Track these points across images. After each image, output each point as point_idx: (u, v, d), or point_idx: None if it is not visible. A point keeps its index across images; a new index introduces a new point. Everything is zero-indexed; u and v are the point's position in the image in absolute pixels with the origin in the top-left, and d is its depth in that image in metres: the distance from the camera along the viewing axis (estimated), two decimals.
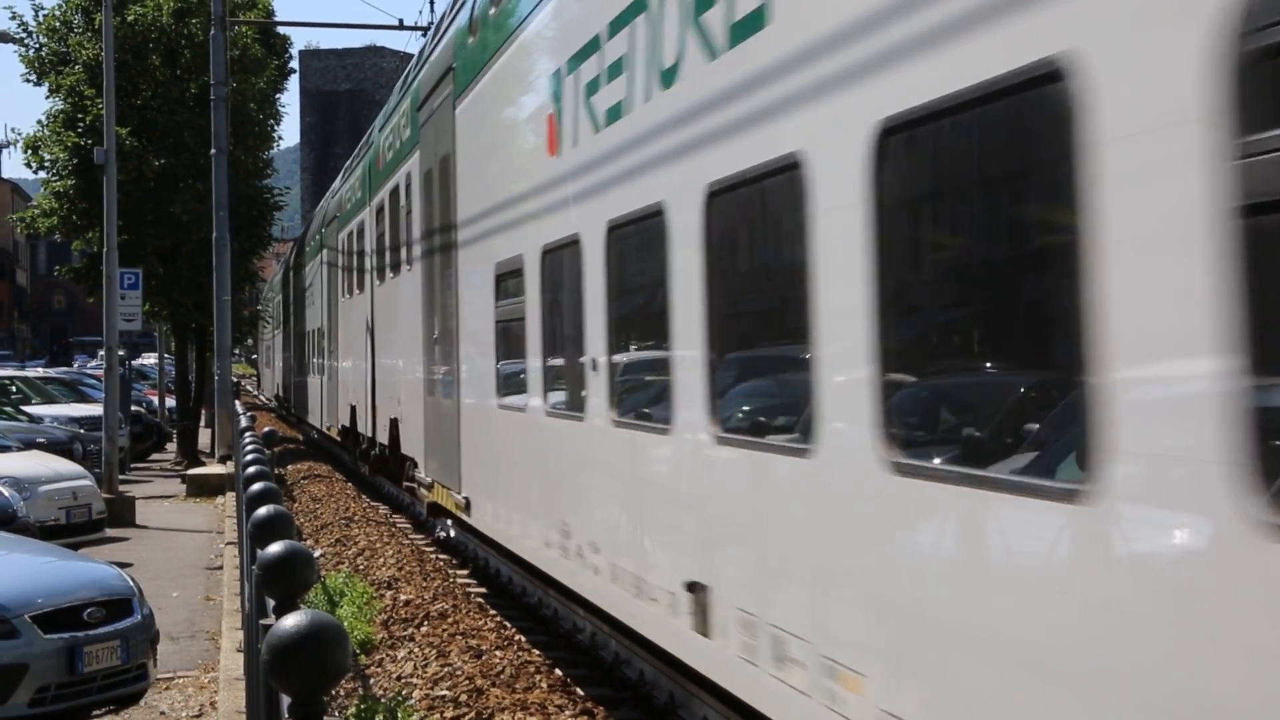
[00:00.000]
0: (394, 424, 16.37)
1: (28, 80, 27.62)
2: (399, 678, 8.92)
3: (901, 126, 4.44)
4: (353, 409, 21.43)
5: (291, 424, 40.30)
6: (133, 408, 27.52)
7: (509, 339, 9.90)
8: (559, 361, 8.71)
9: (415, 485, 14.81)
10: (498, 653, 9.23)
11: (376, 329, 18.43)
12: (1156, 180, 3.30)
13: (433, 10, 26.70)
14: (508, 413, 9.90)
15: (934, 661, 4.31)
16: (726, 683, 6.03)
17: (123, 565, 9.98)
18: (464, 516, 11.81)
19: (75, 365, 53.83)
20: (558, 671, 8.89)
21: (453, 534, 14.79)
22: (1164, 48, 3.28)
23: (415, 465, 14.70)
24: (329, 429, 26.48)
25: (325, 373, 26.85)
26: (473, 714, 7.90)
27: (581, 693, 8.36)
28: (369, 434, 19.40)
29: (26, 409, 24.18)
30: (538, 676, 8.63)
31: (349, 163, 24.36)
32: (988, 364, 4.56)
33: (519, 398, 9.51)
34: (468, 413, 11.48)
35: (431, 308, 13.23)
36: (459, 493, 11.74)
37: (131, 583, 8.48)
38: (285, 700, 3.00)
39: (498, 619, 10.65)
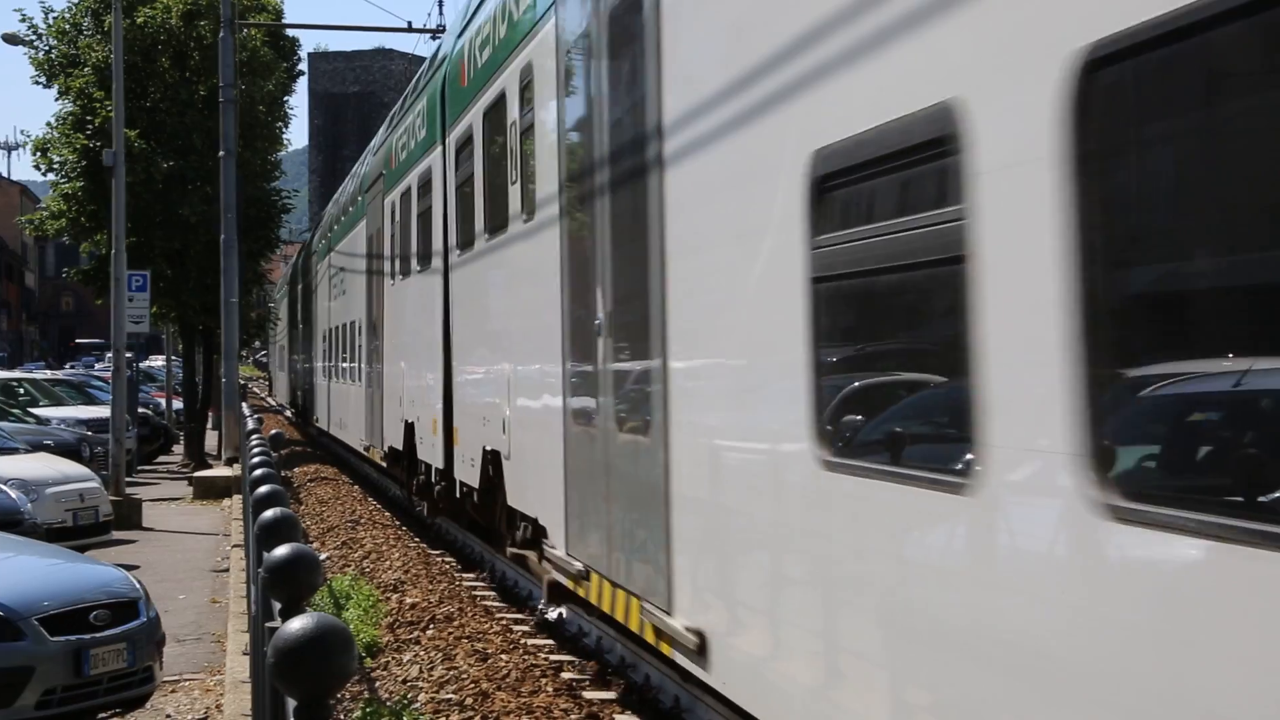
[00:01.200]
0: (491, 459, 10.87)
1: (37, 82, 27.70)
2: (405, 681, 8.91)
3: None
4: (409, 428, 15.52)
5: (311, 436, 36.63)
6: (140, 410, 27.55)
7: (868, 316, 4.97)
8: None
9: (542, 561, 9.42)
10: (504, 656, 9.23)
11: (457, 320, 12.70)
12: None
13: (441, 13, 26.74)
14: (868, 486, 4.66)
15: None
16: None
17: (129, 567, 9.98)
18: (690, 663, 6.42)
19: (66, 368, 53.47)
20: (564, 675, 8.88)
21: (562, 614, 10.00)
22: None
23: (539, 530, 9.47)
24: (368, 450, 20.16)
25: (363, 379, 20.52)
26: (479, 717, 7.89)
27: (587, 696, 8.35)
28: (437, 464, 13.67)
29: (34, 411, 24.22)
30: (543, 680, 8.62)
31: (398, 108, 18.53)
32: None
33: (931, 454, 4.60)
34: (695, 464, 6.34)
35: (585, 277, 7.97)
36: (668, 612, 6.59)
37: (138, 585, 8.48)
38: (291, 703, 3.00)
39: (504, 622, 10.64)
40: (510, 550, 10.82)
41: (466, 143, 12.06)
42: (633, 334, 7.22)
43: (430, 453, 14.14)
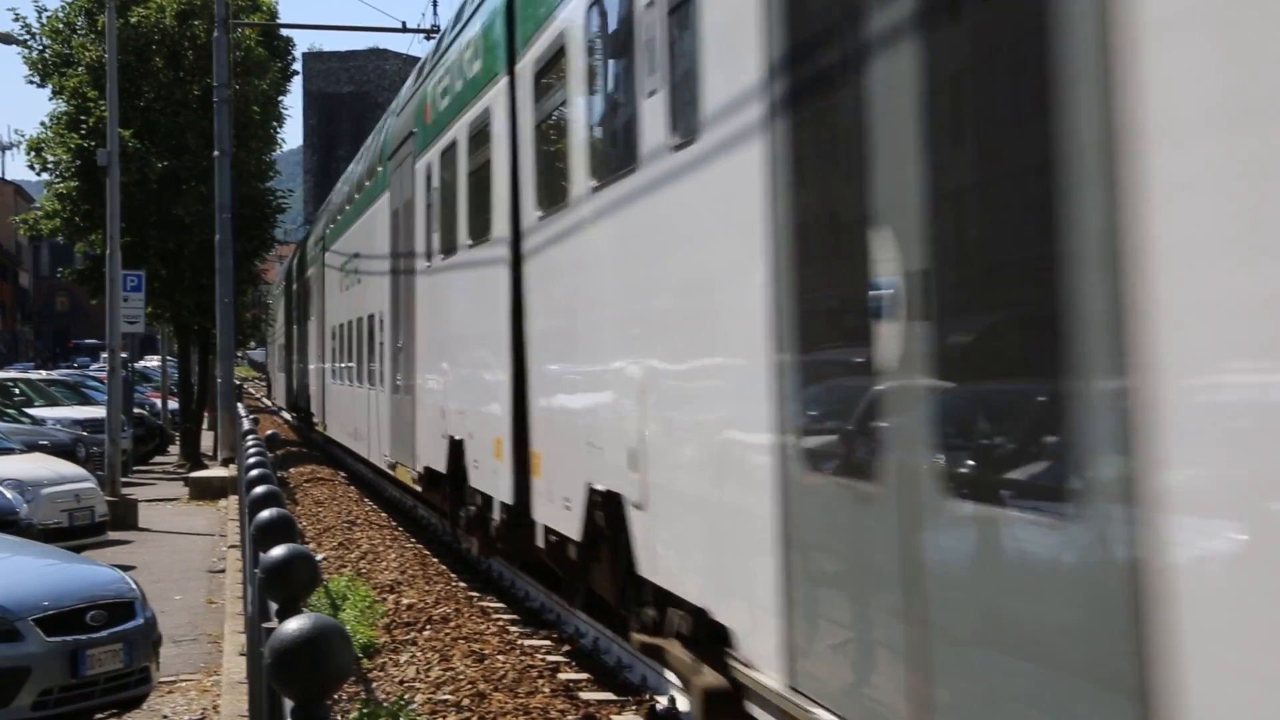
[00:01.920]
0: (604, 503, 7.61)
1: (31, 82, 27.72)
2: (401, 682, 8.91)
3: None
4: (455, 446, 11.97)
5: (308, 436, 35.89)
6: (135, 410, 27.53)
7: None
8: None
9: (703, 669, 6.20)
10: (500, 657, 9.22)
11: (537, 306, 9.29)
12: None
13: (435, 13, 26.75)
14: None
15: None
16: None
17: (125, 568, 9.97)
18: None
19: (59, 369, 53.18)
20: (560, 675, 8.88)
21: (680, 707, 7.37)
22: None
23: (698, 619, 6.37)
24: (394, 468, 16.41)
25: (385, 383, 16.84)
26: (475, 718, 7.89)
27: (584, 697, 8.35)
28: (501, 498, 10.22)
29: (29, 411, 24.20)
30: (540, 681, 8.62)
31: (432, 52, 15.12)
32: None
33: None
34: None
35: (839, 212, 5.01)
36: None
37: (134, 586, 8.47)
38: (288, 704, 2.99)
39: (500, 623, 10.64)
40: (639, 638, 7.35)
41: (553, 61, 8.71)
42: (1007, 309, 3.96)
43: (490, 481, 10.64)
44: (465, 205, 11.65)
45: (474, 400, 11.25)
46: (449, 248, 12.39)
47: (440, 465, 12.74)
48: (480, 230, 10.97)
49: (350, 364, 21.27)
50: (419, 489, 14.70)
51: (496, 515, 10.61)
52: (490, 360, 10.52)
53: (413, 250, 14.58)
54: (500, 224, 10.12)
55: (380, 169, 17.92)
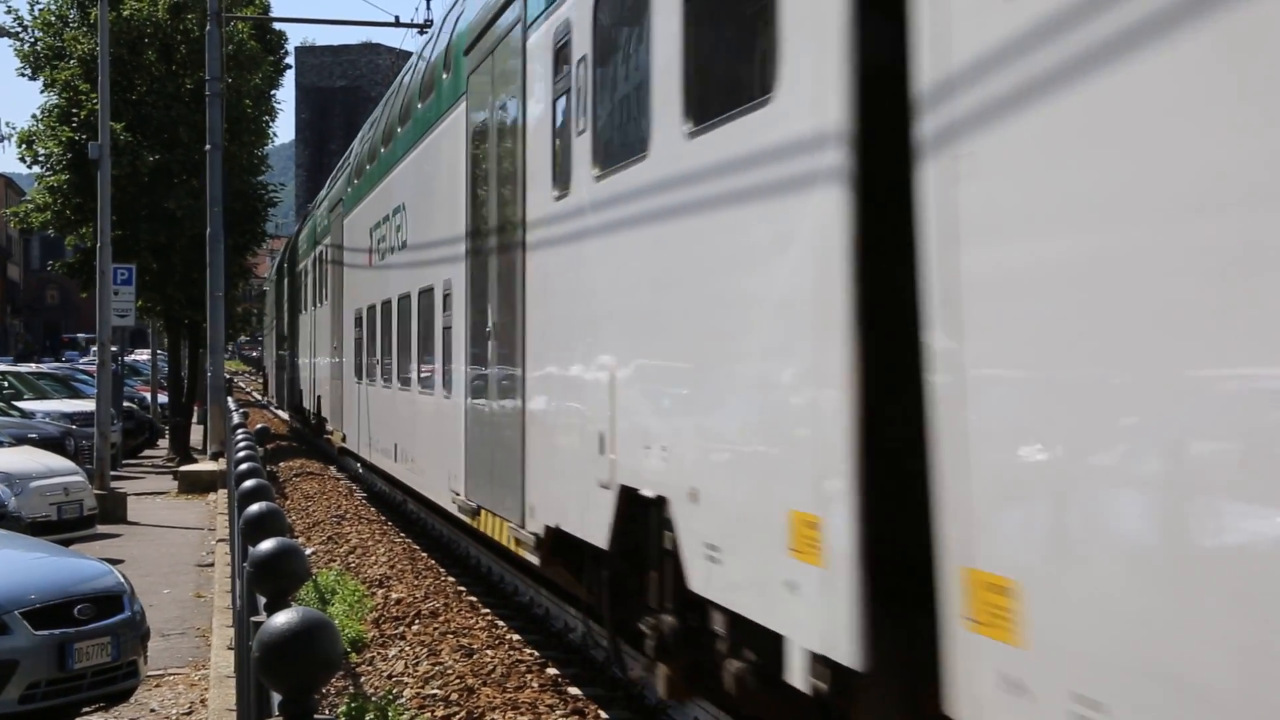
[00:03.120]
0: None
1: (23, 75, 27.64)
2: (390, 676, 8.91)
3: None
4: (635, 502, 6.53)
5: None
6: (125, 404, 27.48)
7: None
8: None
9: None
10: (489, 652, 9.23)
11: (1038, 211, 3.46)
12: None
13: (429, 8, 26.64)
14: None
15: None
16: None
17: (114, 562, 9.97)
18: None
19: (45, 363, 52.66)
20: (549, 670, 8.88)
21: None
22: None
23: None
24: (474, 517, 10.42)
25: (455, 385, 11.25)
26: (464, 713, 7.89)
27: (573, 692, 8.36)
28: (814, 644, 4.63)
29: (18, 404, 24.15)
30: (529, 675, 8.62)
31: None
32: None
33: None
34: None
35: None
36: None
37: (122, 579, 8.46)
38: (276, 698, 3.00)
39: (489, 617, 10.65)
40: None
41: None
42: None
43: (763, 602, 5.17)
44: (677, 68, 6.02)
45: (701, 426, 5.94)
46: (621, 153, 6.93)
47: (591, 533, 7.26)
48: (730, 99, 5.57)
49: (387, 358, 15.81)
50: (534, 560, 8.56)
51: (798, 679, 4.88)
52: (759, 350, 5.33)
53: (516, 179, 9.06)
54: (815, 70, 4.68)
55: (445, 76, 12.22)
